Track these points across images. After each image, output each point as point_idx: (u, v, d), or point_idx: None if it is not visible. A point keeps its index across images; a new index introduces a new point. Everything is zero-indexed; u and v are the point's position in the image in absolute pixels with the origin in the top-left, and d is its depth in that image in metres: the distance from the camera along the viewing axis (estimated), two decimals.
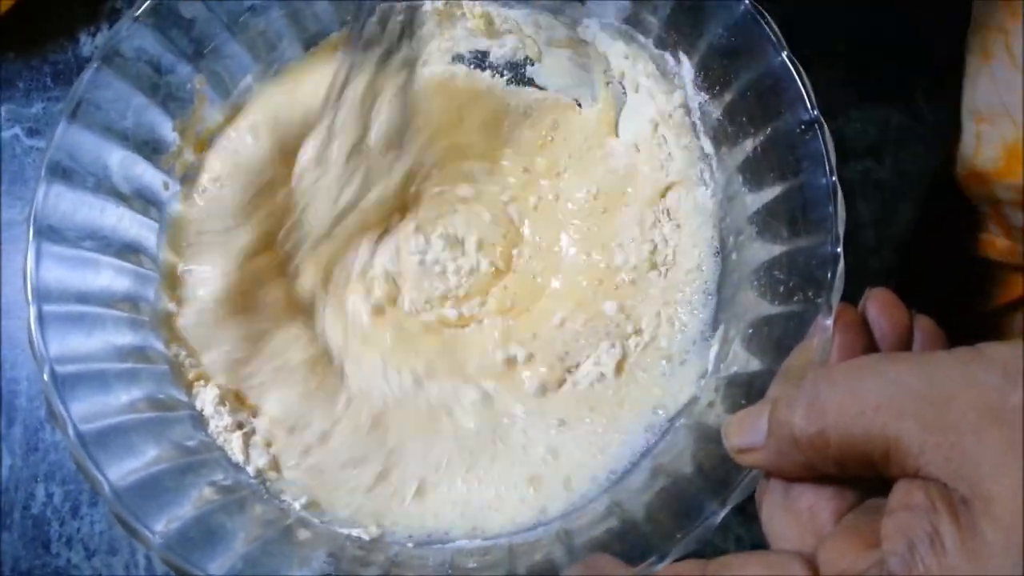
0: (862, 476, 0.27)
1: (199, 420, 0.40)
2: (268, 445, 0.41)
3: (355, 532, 0.39)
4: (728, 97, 0.39)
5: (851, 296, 0.35)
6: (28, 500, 0.45)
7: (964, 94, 0.45)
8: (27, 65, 0.49)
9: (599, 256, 0.44)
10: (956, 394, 0.24)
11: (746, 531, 0.43)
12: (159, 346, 0.40)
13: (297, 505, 0.39)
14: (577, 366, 0.42)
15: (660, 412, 0.40)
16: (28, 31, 0.49)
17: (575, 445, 0.41)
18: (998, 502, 0.22)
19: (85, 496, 0.45)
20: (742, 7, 0.38)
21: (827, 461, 0.27)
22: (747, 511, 0.32)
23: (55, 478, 0.45)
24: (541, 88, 0.46)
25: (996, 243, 0.46)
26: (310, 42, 0.44)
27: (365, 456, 0.41)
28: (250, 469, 0.40)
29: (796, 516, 0.29)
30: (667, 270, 0.43)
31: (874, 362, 0.27)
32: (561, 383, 0.42)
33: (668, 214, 0.44)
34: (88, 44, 0.49)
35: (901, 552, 0.24)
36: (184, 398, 0.40)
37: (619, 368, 0.42)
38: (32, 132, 0.49)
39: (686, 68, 0.41)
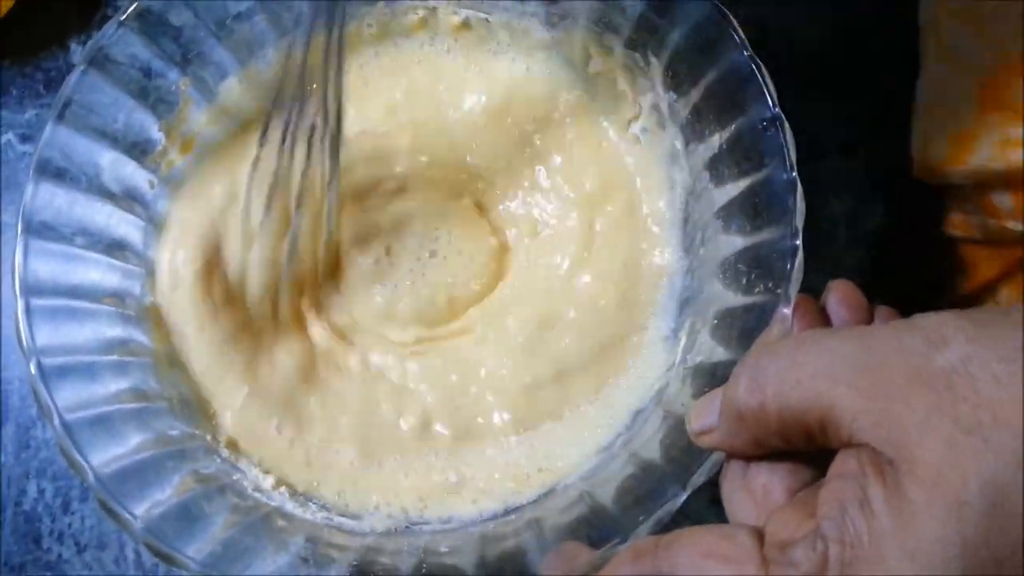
0: (809, 450, 0.28)
1: (182, 412, 0.41)
2: None
3: (333, 518, 0.40)
4: (695, 96, 0.40)
5: (821, 290, 0.36)
6: (20, 496, 0.46)
7: (916, 97, 0.47)
8: (20, 72, 0.51)
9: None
10: (886, 361, 0.25)
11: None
12: (144, 339, 0.41)
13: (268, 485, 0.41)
14: None
15: (630, 403, 0.42)
16: (21, 39, 0.50)
17: (548, 436, 0.42)
18: (921, 462, 0.23)
19: (75, 492, 0.46)
20: (707, 8, 0.39)
21: (771, 434, 0.28)
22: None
23: (46, 474, 0.46)
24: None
25: (954, 219, 0.47)
26: (292, 45, 0.45)
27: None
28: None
29: (752, 494, 0.30)
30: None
31: (813, 335, 0.28)
32: None
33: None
34: (79, 52, 0.51)
35: (833, 516, 0.25)
36: (169, 390, 0.41)
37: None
38: (25, 138, 0.50)
39: (655, 68, 0.42)
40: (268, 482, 0.41)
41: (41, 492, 0.46)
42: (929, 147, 0.45)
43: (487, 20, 0.45)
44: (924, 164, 0.46)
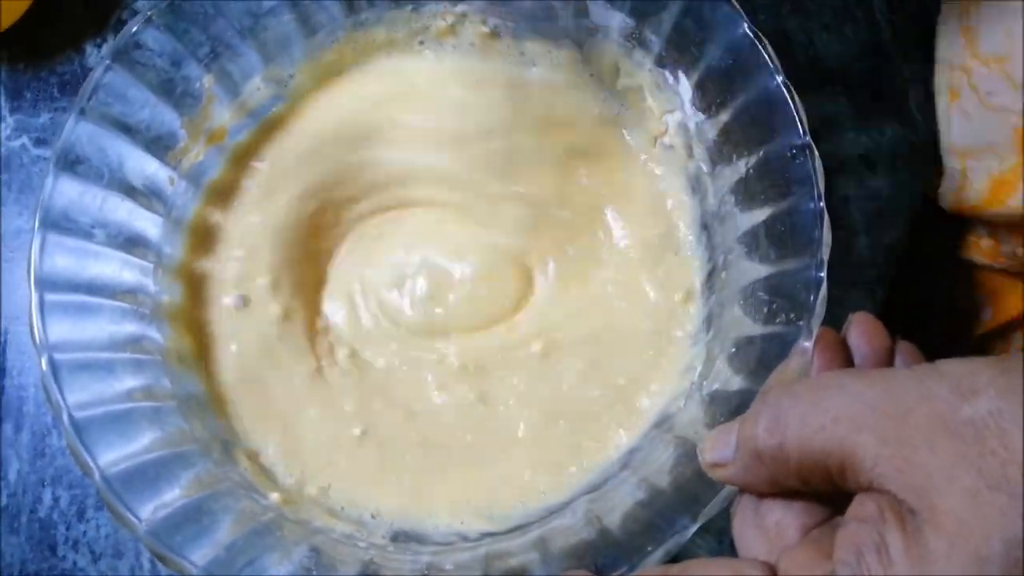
0: (825, 491, 0.27)
1: (192, 412, 0.41)
2: None
3: (339, 527, 0.40)
4: (724, 118, 0.40)
5: (842, 305, 0.36)
6: (35, 504, 0.46)
7: (940, 133, 0.46)
8: (35, 76, 0.50)
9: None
10: (910, 408, 0.25)
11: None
12: (157, 337, 0.41)
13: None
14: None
15: (643, 425, 0.41)
16: (36, 43, 0.50)
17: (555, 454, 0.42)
18: (943, 512, 0.23)
19: (91, 500, 0.46)
20: (740, 30, 0.38)
21: (789, 475, 0.27)
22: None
23: (62, 482, 0.46)
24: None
25: (980, 243, 0.47)
26: (319, 44, 0.45)
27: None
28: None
29: (764, 531, 0.29)
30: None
31: (836, 378, 0.27)
32: None
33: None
34: (94, 56, 0.50)
35: (849, 561, 0.24)
36: (180, 390, 0.41)
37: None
38: (39, 142, 0.49)
39: (684, 87, 0.41)
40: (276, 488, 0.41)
41: (56, 500, 0.46)
42: (968, 188, 0.45)
43: (515, 30, 0.45)
44: (962, 204, 0.45)
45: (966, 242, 0.49)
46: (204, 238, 0.44)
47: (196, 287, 0.44)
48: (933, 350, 0.32)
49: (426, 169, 0.46)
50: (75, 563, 0.45)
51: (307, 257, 0.46)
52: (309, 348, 0.44)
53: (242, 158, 0.45)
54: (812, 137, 0.37)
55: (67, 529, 0.46)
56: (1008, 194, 0.44)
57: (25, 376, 0.47)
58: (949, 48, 0.46)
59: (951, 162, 0.46)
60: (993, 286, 0.50)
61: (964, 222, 0.48)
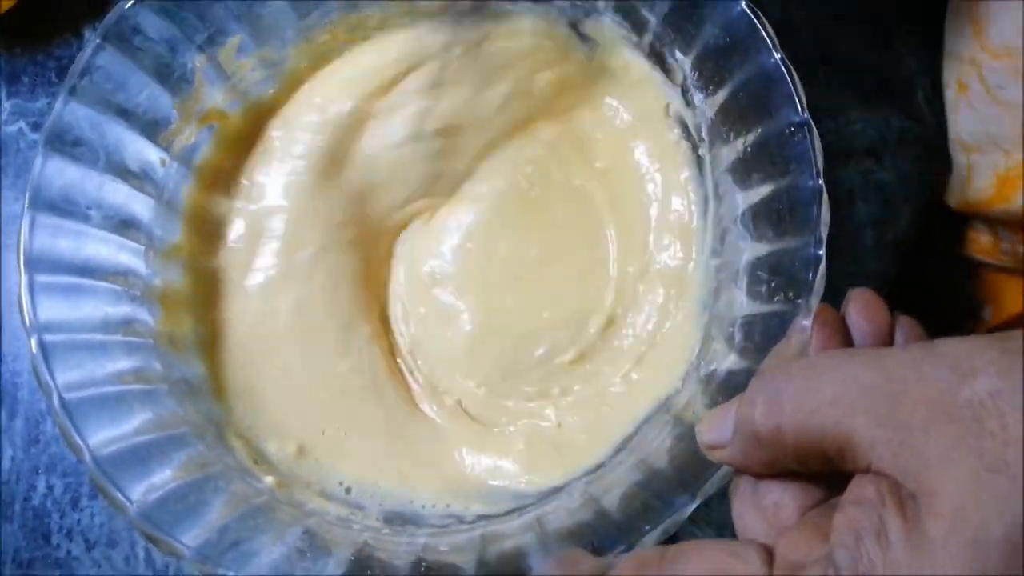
0: (824, 472, 0.27)
1: (184, 395, 0.40)
2: None
3: (333, 509, 0.39)
4: (722, 97, 0.39)
5: (844, 291, 0.35)
6: (29, 492, 0.46)
7: (949, 127, 0.45)
8: (32, 61, 0.50)
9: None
10: (907, 390, 0.24)
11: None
12: (148, 320, 0.41)
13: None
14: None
15: (640, 406, 0.41)
16: (34, 27, 0.50)
17: (554, 435, 0.41)
18: (941, 496, 0.22)
19: (85, 488, 0.46)
20: (738, 7, 0.38)
21: (787, 456, 0.27)
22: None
23: (56, 470, 0.46)
24: None
25: (980, 240, 0.47)
26: (311, 26, 0.45)
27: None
28: None
29: (762, 512, 0.29)
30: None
31: (832, 358, 0.27)
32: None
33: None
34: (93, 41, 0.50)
35: (848, 544, 0.24)
36: (172, 373, 0.41)
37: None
38: (37, 127, 0.49)
39: (682, 67, 0.41)
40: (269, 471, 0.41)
41: (50, 488, 0.46)
42: (973, 184, 0.44)
43: (510, 11, 0.44)
44: (967, 200, 0.45)
45: (967, 239, 0.48)
46: (207, 226, 0.44)
47: (204, 274, 0.44)
48: None
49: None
50: (69, 552, 0.45)
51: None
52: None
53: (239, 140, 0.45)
54: (818, 129, 0.36)
55: (61, 517, 0.45)
56: (1014, 191, 0.43)
57: (20, 362, 0.47)
58: (958, 41, 0.45)
59: (958, 157, 0.45)
60: (994, 284, 0.49)
61: (966, 218, 0.47)
